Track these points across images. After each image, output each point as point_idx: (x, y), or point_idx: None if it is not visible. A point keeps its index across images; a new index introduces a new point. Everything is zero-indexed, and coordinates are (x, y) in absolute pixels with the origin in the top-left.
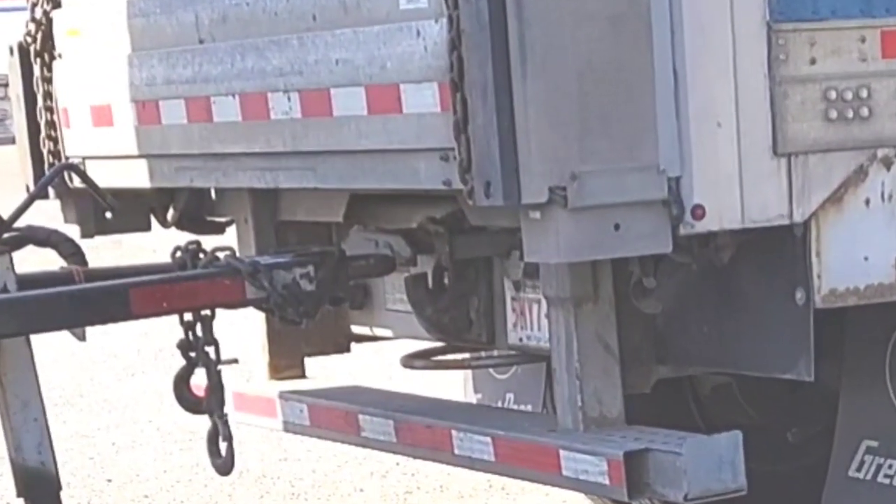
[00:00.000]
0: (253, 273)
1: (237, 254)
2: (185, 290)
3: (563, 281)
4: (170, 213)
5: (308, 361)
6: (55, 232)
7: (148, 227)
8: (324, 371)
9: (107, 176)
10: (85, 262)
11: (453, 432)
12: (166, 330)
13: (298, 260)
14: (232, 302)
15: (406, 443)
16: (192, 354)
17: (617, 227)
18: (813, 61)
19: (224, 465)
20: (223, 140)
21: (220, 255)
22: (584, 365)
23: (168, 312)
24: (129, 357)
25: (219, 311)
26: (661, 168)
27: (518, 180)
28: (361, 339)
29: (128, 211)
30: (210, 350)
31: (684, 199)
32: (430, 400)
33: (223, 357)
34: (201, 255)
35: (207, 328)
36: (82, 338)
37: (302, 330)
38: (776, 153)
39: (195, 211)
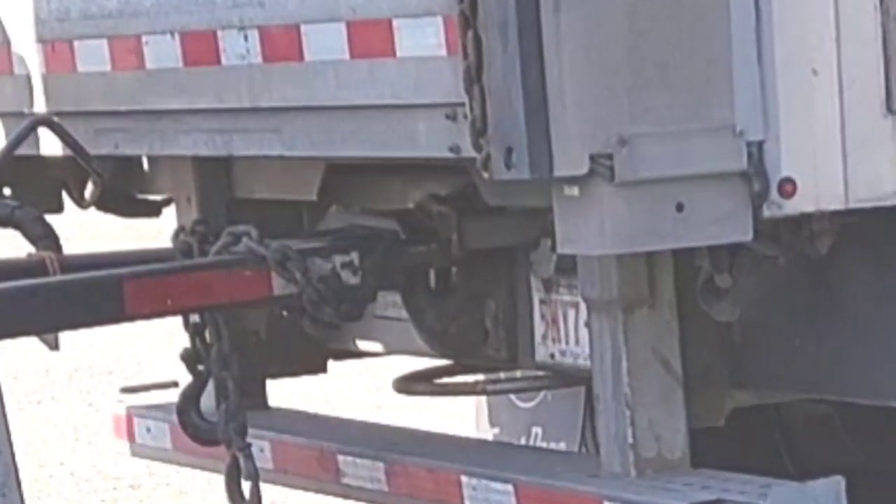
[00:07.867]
0: (282, 261)
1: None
2: (196, 284)
3: (610, 279)
4: (88, 190)
5: (271, 385)
6: (20, 208)
7: (59, 209)
8: (292, 398)
9: (4, 140)
10: (59, 248)
11: (463, 478)
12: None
13: (339, 245)
14: (254, 298)
15: (401, 492)
16: (201, 367)
17: (680, 207)
18: None
19: None
20: (159, 93)
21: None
22: (636, 390)
23: (172, 312)
24: (34, 379)
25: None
26: (738, 130)
27: (549, 146)
28: (341, 355)
29: (33, 187)
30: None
31: (769, 171)
32: (431, 436)
33: (158, 379)
34: (211, 239)
35: (222, 333)
36: (54, 346)
37: (262, 343)
38: (890, 110)
39: (121, 187)
